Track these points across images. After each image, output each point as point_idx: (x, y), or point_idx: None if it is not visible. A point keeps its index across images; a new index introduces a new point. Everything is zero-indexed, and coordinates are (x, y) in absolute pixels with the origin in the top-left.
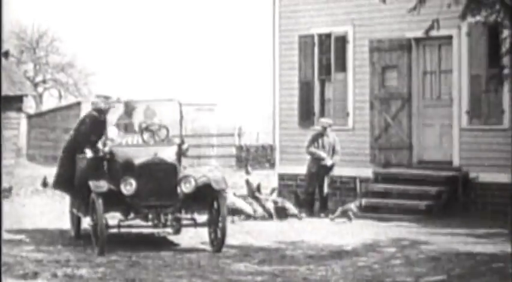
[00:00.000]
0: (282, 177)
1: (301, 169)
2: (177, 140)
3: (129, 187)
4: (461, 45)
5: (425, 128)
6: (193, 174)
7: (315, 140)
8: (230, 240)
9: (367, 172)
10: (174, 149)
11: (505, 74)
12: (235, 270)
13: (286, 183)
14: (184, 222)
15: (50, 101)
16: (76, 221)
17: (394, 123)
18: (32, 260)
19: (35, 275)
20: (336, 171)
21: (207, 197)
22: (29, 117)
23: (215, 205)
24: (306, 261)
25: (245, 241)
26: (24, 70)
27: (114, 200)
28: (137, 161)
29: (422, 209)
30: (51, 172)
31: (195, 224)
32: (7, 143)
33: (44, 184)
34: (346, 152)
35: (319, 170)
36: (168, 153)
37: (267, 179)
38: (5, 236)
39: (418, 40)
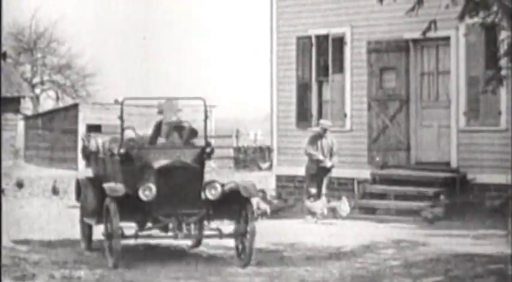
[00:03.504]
0: (279, 178)
1: (299, 170)
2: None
3: (148, 192)
4: (459, 46)
5: (423, 129)
6: (219, 180)
7: (313, 141)
8: (227, 241)
9: (365, 173)
10: (197, 151)
11: (502, 75)
12: (233, 271)
13: (284, 185)
14: (208, 232)
15: (47, 103)
16: (87, 232)
17: (392, 124)
18: (29, 261)
19: (33, 276)
20: (334, 173)
21: (233, 205)
22: (27, 118)
23: (243, 214)
24: (304, 263)
25: None
26: (21, 72)
27: (130, 207)
28: (157, 164)
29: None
30: (50, 174)
31: (221, 235)
32: (5, 144)
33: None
34: (344, 153)
35: (318, 171)
36: (191, 156)
37: (265, 181)
38: (4, 237)
39: (416, 41)
